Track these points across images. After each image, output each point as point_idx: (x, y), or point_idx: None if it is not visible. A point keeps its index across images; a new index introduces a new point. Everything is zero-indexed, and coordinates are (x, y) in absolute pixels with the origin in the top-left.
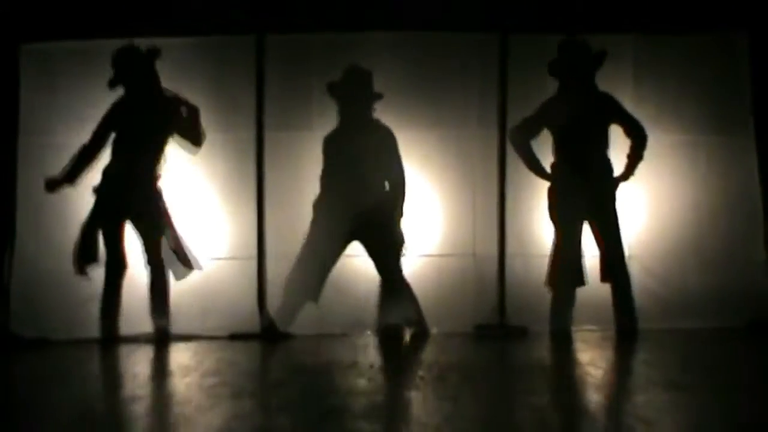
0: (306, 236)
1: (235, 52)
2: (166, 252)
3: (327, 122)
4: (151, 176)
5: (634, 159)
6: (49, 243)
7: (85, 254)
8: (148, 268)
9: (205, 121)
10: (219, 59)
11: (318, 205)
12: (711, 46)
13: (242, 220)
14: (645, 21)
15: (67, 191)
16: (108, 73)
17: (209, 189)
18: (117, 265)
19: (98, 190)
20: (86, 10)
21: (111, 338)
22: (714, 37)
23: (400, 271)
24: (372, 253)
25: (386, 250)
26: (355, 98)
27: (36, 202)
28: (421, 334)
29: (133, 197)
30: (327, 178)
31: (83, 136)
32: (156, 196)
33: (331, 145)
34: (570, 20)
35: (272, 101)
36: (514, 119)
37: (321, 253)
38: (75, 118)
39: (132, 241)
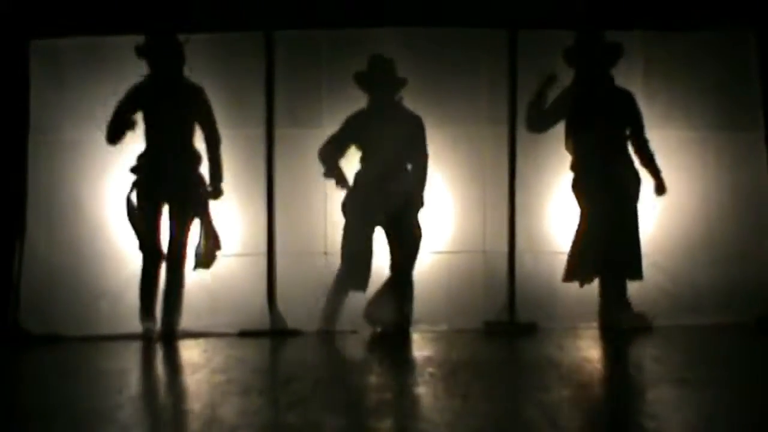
0: (343, 229)
1: (245, 48)
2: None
3: (337, 119)
4: (188, 159)
5: (651, 163)
6: (59, 239)
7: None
8: (168, 261)
9: (215, 117)
10: (228, 56)
11: (351, 195)
12: (720, 42)
13: (252, 216)
14: (654, 18)
15: (77, 189)
16: (118, 69)
17: None
18: (152, 255)
19: (134, 171)
20: (96, 6)
21: (151, 331)
22: (723, 33)
23: (412, 268)
24: (392, 243)
25: (406, 242)
26: (381, 85)
27: (46, 198)
28: (403, 332)
29: (170, 180)
30: (360, 165)
31: (93, 132)
32: (195, 181)
33: (357, 131)
34: (580, 16)
35: (282, 98)
36: (523, 115)
37: (359, 242)
38: (85, 115)
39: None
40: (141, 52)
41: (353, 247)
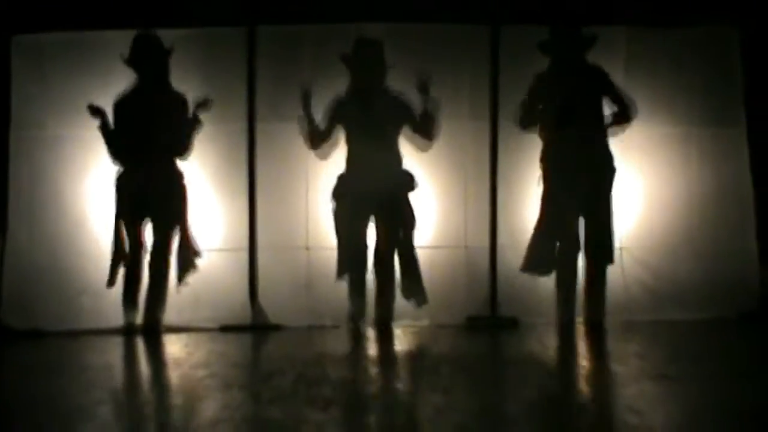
0: (334, 217)
1: (227, 43)
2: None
3: (319, 113)
4: (170, 169)
5: (615, 121)
6: (41, 235)
7: (116, 253)
8: (151, 266)
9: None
10: (210, 51)
11: (341, 183)
12: (702, 38)
13: (234, 211)
14: (637, 13)
15: (59, 185)
16: (100, 64)
17: (201, 180)
18: (135, 253)
19: (116, 188)
20: (78, 2)
21: (132, 328)
22: (705, 29)
23: (414, 249)
24: (388, 229)
25: (405, 226)
26: (367, 69)
27: (28, 193)
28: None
29: (151, 192)
30: (348, 151)
31: (76, 128)
32: (178, 193)
33: (345, 115)
34: (562, 12)
35: (264, 93)
36: (505, 111)
37: (354, 231)
38: (67, 111)
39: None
40: (128, 60)
41: (349, 234)
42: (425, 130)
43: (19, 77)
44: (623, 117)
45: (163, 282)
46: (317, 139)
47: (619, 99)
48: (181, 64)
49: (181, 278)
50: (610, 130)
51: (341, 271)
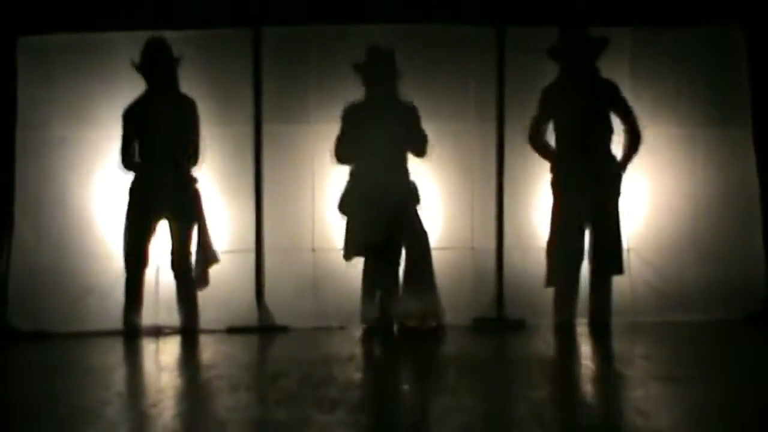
0: (346, 229)
1: (232, 45)
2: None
3: (325, 115)
4: (183, 174)
5: (629, 154)
6: (47, 236)
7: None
8: (176, 274)
9: (203, 114)
10: (216, 52)
11: (349, 193)
12: (708, 38)
13: (240, 213)
14: (642, 14)
15: (65, 186)
16: (106, 65)
17: (207, 182)
18: (138, 260)
19: (129, 190)
20: (84, 3)
21: (134, 333)
22: (711, 29)
23: (431, 261)
24: (395, 239)
25: (417, 239)
26: (380, 77)
27: (34, 194)
28: (438, 329)
29: (166, 195)
30: (356, 163)
31: (81, 129)
32: (192, 195)
33: (355, 124)
34: (567, 12)
35: (270, 94)
36: (511, 112)
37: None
38: (73, 111)
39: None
40: (138, 66)
41: (361, 241)
42: (415, 146)
43: (25, 78)
44: (634, 137)
45: (191, 284)
46: (341, 147)
47: (628, 114)
48: (187, 66)
49: (200, 280)
50: (626, 163)
51: (350, 253)
